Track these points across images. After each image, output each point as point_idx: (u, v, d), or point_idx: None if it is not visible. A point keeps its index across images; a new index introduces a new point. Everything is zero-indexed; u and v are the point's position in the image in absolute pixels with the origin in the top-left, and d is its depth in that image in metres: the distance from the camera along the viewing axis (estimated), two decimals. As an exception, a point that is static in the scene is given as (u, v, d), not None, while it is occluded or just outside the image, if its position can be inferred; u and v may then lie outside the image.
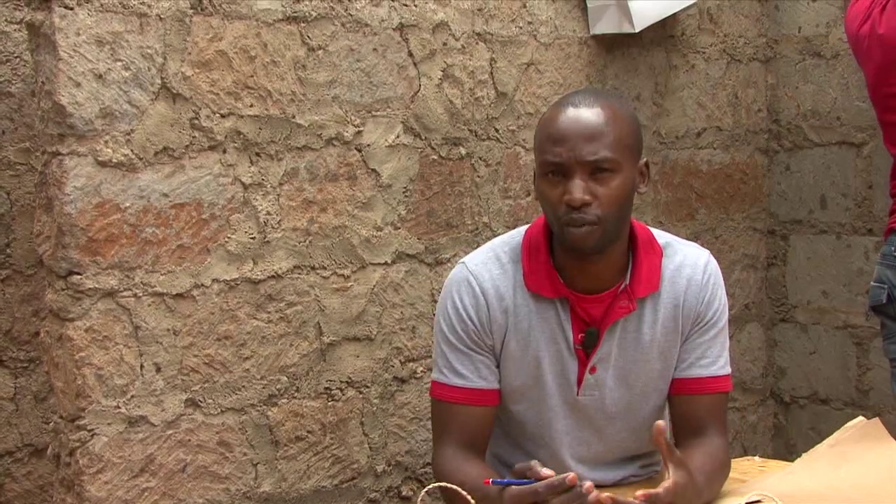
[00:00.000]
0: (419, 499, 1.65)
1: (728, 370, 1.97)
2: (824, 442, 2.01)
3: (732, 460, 1.97)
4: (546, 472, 1.62)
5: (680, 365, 1.94)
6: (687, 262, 1.94)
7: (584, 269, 1.88)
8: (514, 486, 1.62)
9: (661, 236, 1.97)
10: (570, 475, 1.59)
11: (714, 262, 1.98)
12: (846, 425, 2.04)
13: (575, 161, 1.78)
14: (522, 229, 1.98)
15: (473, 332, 1.92)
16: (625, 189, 1.82)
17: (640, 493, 1.61)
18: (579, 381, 1.92)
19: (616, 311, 1.89)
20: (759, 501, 1.75)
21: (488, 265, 1.94)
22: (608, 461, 1.99)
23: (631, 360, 1.92)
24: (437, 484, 1.69)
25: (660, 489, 1.63)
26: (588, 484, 1.60)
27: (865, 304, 3.09)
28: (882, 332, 2.61)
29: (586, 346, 1.90)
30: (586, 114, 1.80)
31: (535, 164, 1.90)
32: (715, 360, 1.94)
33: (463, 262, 1.97)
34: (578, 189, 1.77)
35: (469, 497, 1.63)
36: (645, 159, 1.89)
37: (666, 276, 1.92)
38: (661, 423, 1.66)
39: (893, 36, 2.41)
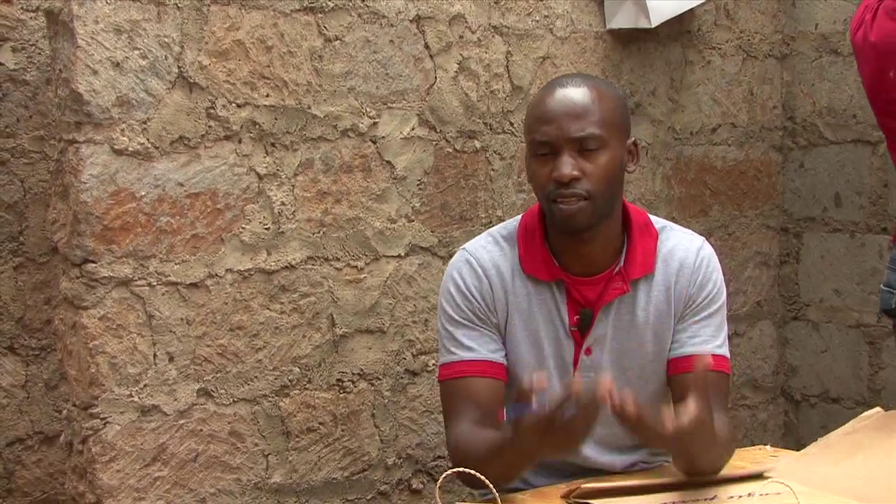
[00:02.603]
0: (437, 484, 1.63)
1: (724, 352, 1.95)
2: (839, 430, 1.98)
3: (744, 450, 1.97)
4: (540, 377, 1.61)
5: (673, 346, 1.94)
6: (680, 245, 1.95)
7: (578, 250, 1.90)
8: (526, 417, 1.60)
9: (658, 221, 1.99)
10: (569, 382, 1.61)
11: (709, 247, 1.98)
12: (862, 415, 2.02)
13: (563, 138, 1.82)
14: (519, 216, 2.01)
15: (479, 310, 1.93)
16: (613, 165, 1.84)
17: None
18: (575, 363, 1.93)
19: (610, 293, 1.90)
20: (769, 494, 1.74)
21: (487, 247, 1.96)
22: (613, 445, 1.99)
23: (625, 341, 1.93)
24: (454, 470, 1.67)
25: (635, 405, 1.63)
26: (605, 381, 1.60)
27: (877, 304, 3.09)
28: (894, 333, 2.60)
29: (581, 328, 1.92)
30: (573, 93, 1.85)
31: (525, 146, 1.91)
32: (708, 339, 1.93)
33: (462, 248, 2.00)
34: (567, 165, 1.81)
35: (486, 480, 1.61)
36: (633, 139, 1.91)
37: (660, 259, 1.93)
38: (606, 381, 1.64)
39: (884, 42, 2.39)
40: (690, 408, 1.66)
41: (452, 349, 1.94)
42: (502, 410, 1.93)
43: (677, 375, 1.93)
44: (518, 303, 1.93)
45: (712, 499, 1.71)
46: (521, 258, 1.93)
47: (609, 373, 1.92)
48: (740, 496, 1.71)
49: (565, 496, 1.73)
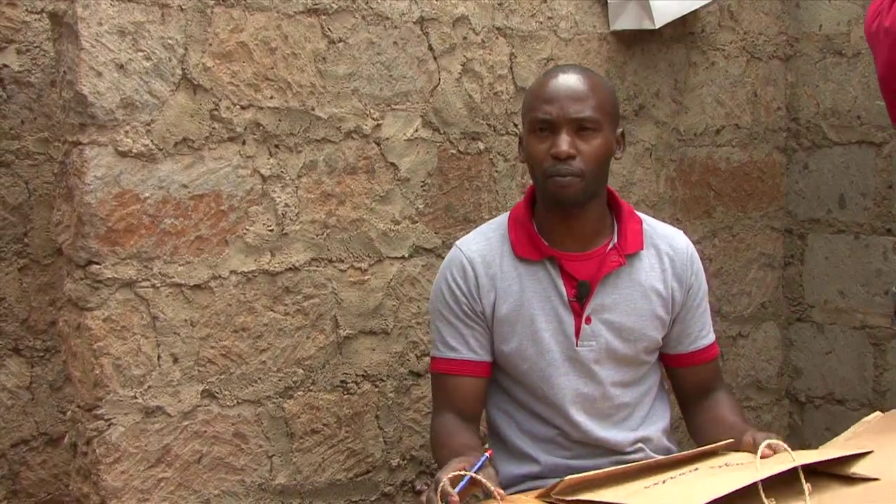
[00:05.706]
0: (438, 490, 1.64)
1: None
2: (841, 435, 2.00)
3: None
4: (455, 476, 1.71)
5: (685, 340, 2.15)
6: (667, 235, 2.14)
7: (566, 226, 2.05)
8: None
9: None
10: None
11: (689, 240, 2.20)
12: (863, 420, 2.05)
13: (563, 118, 1.98)
14: (508, 211, 2.15)
15: (464, 301, 2.07)
16: (605, 148, 2.01)
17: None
18: (577, 333, 2.05)
19: (607, 265, 2.05)
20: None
21: (476, 239, 2.12)
22: (612, 415, 2.09)
23: (623, 311, 2.07)
24: (456, 473, 1.70)
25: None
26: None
27: (884, 306, 3.08)
28: None
29: (580, 298, 2.05)
30: (573, 79, 2.03)
31: (522, 127, 2.06)
32: (709, 330, 2.18)
33: (455, 245, 2.13)
34: (565, 143, 1.97)
35: (485, 482, 1.70)
36: (621, 129, 2.09)
37: (647, 241, 2.10)
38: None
39: None
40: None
41: (440, 346, 2.10)
42: (482, 403, 2.11)
43: (691, 368, 2.16)
44: (507, 286, 2.06)
45: (694, 469, 1.79)
46: (513, 243, 2.07)
47: (610, 341, 2.06)
48: (719, 466, 1.80)
49: (543, 495, 1.73)
